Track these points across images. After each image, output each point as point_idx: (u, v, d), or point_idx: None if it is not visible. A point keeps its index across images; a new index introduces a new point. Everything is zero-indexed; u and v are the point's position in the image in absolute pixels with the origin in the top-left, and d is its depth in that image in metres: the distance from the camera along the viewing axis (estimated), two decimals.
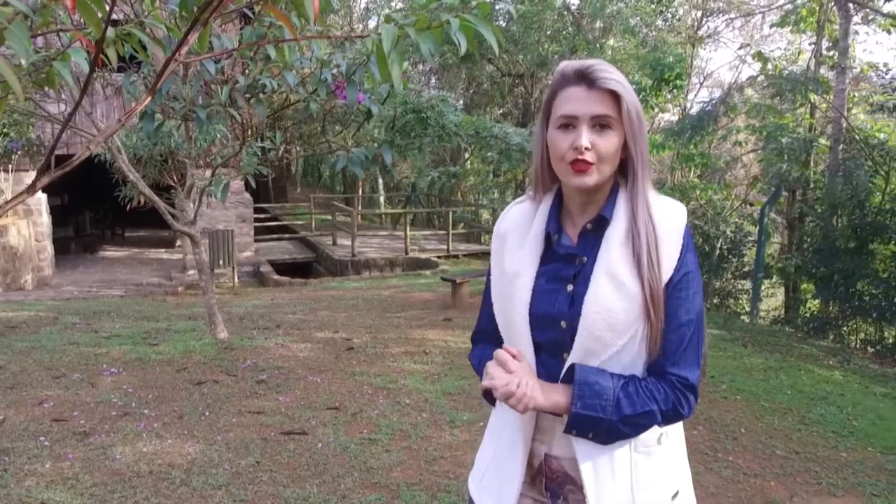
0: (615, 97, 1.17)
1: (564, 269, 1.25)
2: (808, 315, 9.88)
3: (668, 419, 1.21)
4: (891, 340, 8.52)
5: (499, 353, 1.23)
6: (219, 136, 6.30)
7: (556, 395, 1.19)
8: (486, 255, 15.17)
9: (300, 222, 19.77)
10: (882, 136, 10.47)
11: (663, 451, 1.27)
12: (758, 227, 9.55)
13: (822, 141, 11.06)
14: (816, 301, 10.07)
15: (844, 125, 10.09)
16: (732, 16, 18.35)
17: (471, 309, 7.80)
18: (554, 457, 1.28)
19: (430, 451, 3.48)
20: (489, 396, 1.34)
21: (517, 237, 1.32)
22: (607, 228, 1.22)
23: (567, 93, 1.19)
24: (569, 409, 1.18)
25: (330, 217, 16.99)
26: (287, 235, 17.71)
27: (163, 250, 14.99)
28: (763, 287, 10.03)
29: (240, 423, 3.83)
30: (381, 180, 24.04)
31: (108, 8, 1.26)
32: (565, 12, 14.18)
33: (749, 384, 5.14)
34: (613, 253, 1.19)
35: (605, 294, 1.18)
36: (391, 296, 9.48)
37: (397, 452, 3.46)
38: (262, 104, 3.29)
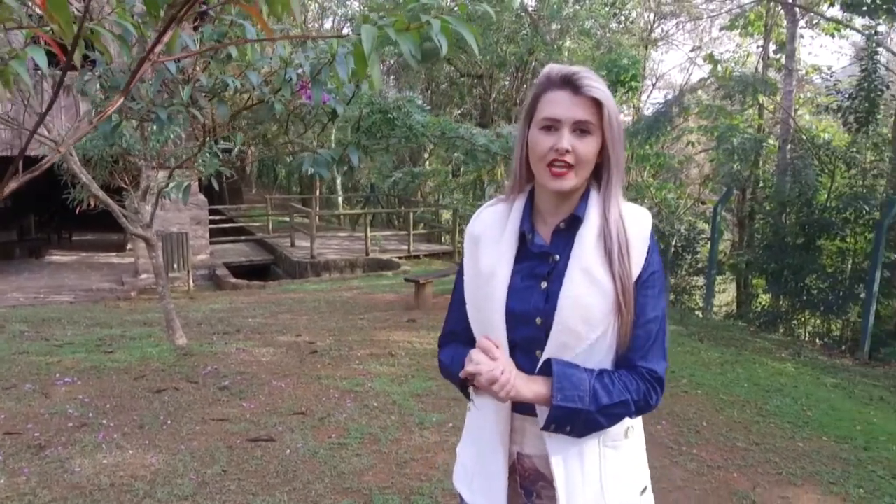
0: (597, 105, 1.21)
1: (538, 266, 1.30)
2: (759, 309, 10.21)
3: (639, 409, 1.26)
4: (837, 333, 8.88)
5: (482, 341, 1.25)
6: (172, 136, 6.14)
7: (537, 386, 1.23)
8: (447, 255, 15.18)
9: (257, 224, 19.41)
10: (826, 136, 10.91)
11: (630, 445, 1.33)
12: (711, 225, 9.82)
13: (771, 141, 11.44)
14: (767, 296, 10.41)
15: (792, 126, 10.46)
16: (683, 19, 18.82)
17: (434, 309, 7.79)
18: (526, 455, 1.33)
19: (401, 454, 3.46)
20: (466, 390, 1.37)
21: (492, 237, 1.35)
22: (580, 228, 1.27)
23: (552, 96, 1.23)
24: (549, 401, 1.21)
25: (287, 218, 16.72)
26: (243, 237, 17.39)
27: (113, 254, 14.52)
28: (715, 283, 10.32)
29: (204, 432, 3.73)
30: (339, 181, 23.79)
31: (72, 7, 1.21)
32: (523, 14, 14.30)
33: (708, 378, 5.28)
34: (587, 251, 1.24)
35: (579, 289, 1.23)
36: (353, 297, 9.40)
37: (367, 456, 3.43)
38: (225, 104, 3.21)
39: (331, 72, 3.14)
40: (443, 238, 17.05)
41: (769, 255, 9.38)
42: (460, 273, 1.42)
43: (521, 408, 1.30)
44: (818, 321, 9.14)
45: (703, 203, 13.87)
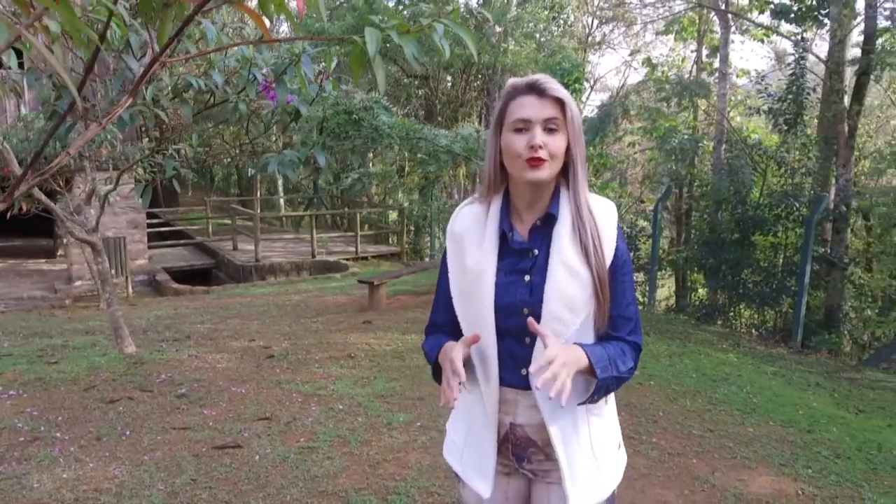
0: (561, 105, 1.34)
1: (520, 262, 1.41)
2: (697, 303, 10.65)
3: (632, 374, 1.42)
4: (771, 323, 9.36)
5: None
6: (109, 137, 5.92)
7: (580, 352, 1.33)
8: (395, 256, 15.14)
9: (195, 227, 18.86)
10: (755, 136, 11.47)
11: (608, 411, 1.51)
12: (652, 223, 10.16)
13: (706, 141, 11.94)
14: (705, 290, 10.86)
15: (726, 127, 10.94)
16: (621, 24, 19.38)
17: (389, 311, 7.78)
18: (518, 425, 1.45)
19: (373, 455, 3.46)
20: (438, 376, 1.48)
21: (474, 236, 1.45)
22: (555, 225, 1.39)
23: (520, 101, 1.36)
24: (591, 367, 1.31)
25: (228, 221, 16.29)
26: (182, 241, 16.87)
27: (42, 260, 13.81)
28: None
29: (166, 441, 3.63)
30: (280, 181, 23.37)
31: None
32: (468, 16, 14.43)
33: (659, 369, 5.48)
34: (565, 246, 1.37)
35: (562, 281, 1.35)
36: (303, 300, 9.26)
37: (339, 459, 3.41)
38: (188, 104, 3.14)
39: (296, 72, 3.12)
40: (390, 239, 16.96)
41: (706, 250, 9.80)
42: (444, 271, 1.52)
43: (512, 382, 1.42)
44: (753, 313, 9.60)
45: (643, 202, 14.34)
